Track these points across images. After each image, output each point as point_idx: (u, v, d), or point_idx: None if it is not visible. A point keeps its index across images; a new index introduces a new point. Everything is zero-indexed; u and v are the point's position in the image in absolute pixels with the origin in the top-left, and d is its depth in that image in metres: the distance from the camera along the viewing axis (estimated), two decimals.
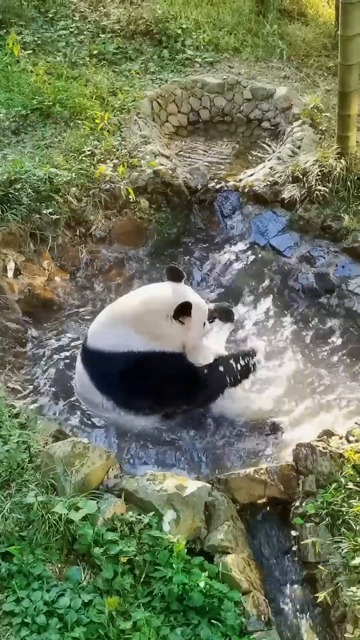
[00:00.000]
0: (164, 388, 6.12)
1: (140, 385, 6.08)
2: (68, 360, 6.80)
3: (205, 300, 6.63)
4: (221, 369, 6.37)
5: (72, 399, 6.44)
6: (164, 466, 5.91)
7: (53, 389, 6.57)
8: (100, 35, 10.94)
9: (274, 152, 9.09)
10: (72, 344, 7.04)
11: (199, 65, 10.66)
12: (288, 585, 5.11)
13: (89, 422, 6.26)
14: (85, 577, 4.63)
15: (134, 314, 6.08)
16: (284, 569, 5.18)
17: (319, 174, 7.98)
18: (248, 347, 6.71)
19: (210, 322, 6.55)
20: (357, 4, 7.16)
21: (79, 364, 6.37)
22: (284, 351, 7.06)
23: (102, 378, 6.18)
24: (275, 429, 6.31)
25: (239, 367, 6.42)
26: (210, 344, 6.58)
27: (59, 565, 4.68)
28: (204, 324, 6.36)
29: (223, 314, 6.92)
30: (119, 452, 5.95)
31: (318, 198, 7.97)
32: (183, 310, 6.00)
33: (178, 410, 6.33)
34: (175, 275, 6.35)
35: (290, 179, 8.25)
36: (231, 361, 6.43)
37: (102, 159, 8.45)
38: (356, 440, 5.50)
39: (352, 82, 7.59)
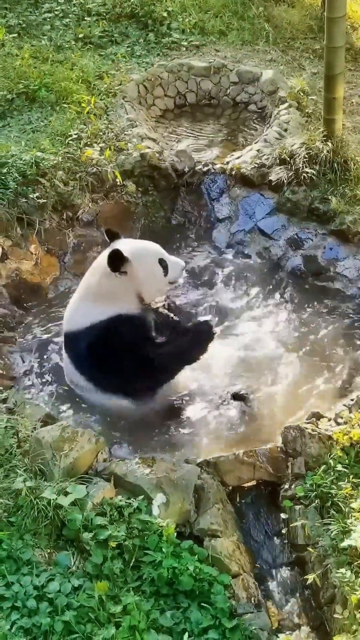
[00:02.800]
0: (127, 356, 5.91)
1: (109, 358, 5.94)
2: (56, 345, 6.77)
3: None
4: (179, 342, 6.09)
5: (62, 383, 6.40)
6: (152, 449, 5.86)
7: (42, 373, 6.54)
8: (85, 18, 10.87)
9: (260, 135, 9.06)
10: (61, 328, 7.01)
11: (185, 48, 10.61)
12: (277, 567, 5.14)
13: (79, 407, 6.23)
14: (74, 562, 4.64)
15: (87, 287, 6.09)
16: (273, 552, 5.21)
17: (306, 156, 7.95)
18: (200, 319, 6.33)
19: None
20: None
21: (63, 350, 6.38)
22: (271, 333, 7.05)
23: (78, 359, 6.13)
24: (239, 398, 6.19)
25: (197, 341, 6.10)
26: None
27: (48, 551, 4.69)
28: (163, 270, 6.13)
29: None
30: (107, 435, 5.90)
31: (305, 180, 7.94)
32: (115, 259, 5.78)
33: (145, 387, 6.14)
34: (111, 235, 6.25)
35: (278, 161, 8.22)
36: (188, 334, 6.12)
37: (88, 143, 8.39)
38: (345, 423, 5.52)
39: (338, 65, 7.55)
